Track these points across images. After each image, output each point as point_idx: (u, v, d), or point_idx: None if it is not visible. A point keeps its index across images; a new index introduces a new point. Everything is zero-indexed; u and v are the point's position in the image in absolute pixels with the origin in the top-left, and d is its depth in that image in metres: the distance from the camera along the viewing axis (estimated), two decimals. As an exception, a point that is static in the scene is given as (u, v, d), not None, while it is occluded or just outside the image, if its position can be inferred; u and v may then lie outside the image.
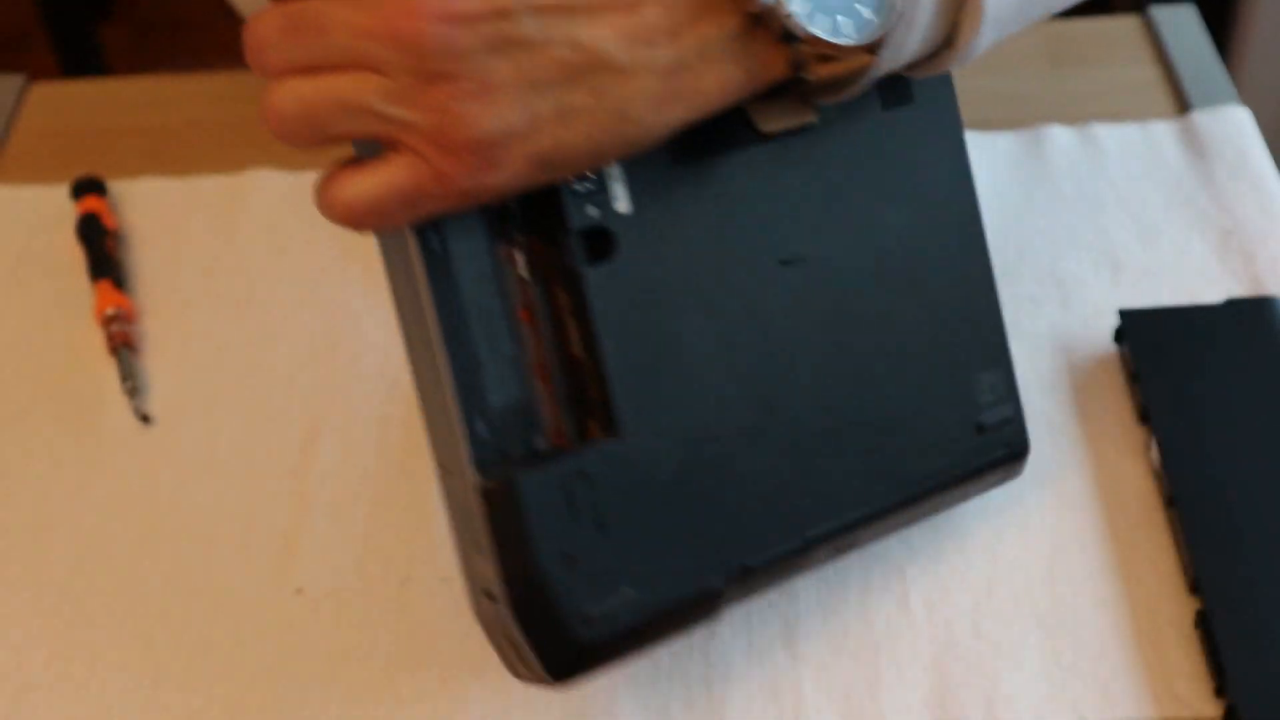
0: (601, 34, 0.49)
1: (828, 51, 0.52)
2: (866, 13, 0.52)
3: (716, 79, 0.51)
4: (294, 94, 0.49)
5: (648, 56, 0.50)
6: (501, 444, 0.54)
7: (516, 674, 0.56)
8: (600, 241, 0.55)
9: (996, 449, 0.64)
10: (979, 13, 0.54)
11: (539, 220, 0.54)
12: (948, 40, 0.56)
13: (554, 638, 0.54)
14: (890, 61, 0.54)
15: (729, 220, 0.57)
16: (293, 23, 0.49)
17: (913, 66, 0.57)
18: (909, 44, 0.54)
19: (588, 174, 0.54)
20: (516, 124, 0.48)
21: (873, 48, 0.53)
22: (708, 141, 0.56)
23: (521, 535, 0.53)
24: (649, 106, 0.50)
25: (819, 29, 0.52)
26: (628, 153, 0.52)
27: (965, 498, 0.66)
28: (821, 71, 0.53)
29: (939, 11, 0.54)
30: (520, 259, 0.54)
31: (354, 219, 0.51)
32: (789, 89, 0.54)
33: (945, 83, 0.63)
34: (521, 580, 0.53)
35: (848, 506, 0.60)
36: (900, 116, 0.61)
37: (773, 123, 0.56)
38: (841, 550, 0.62)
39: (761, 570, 0.59)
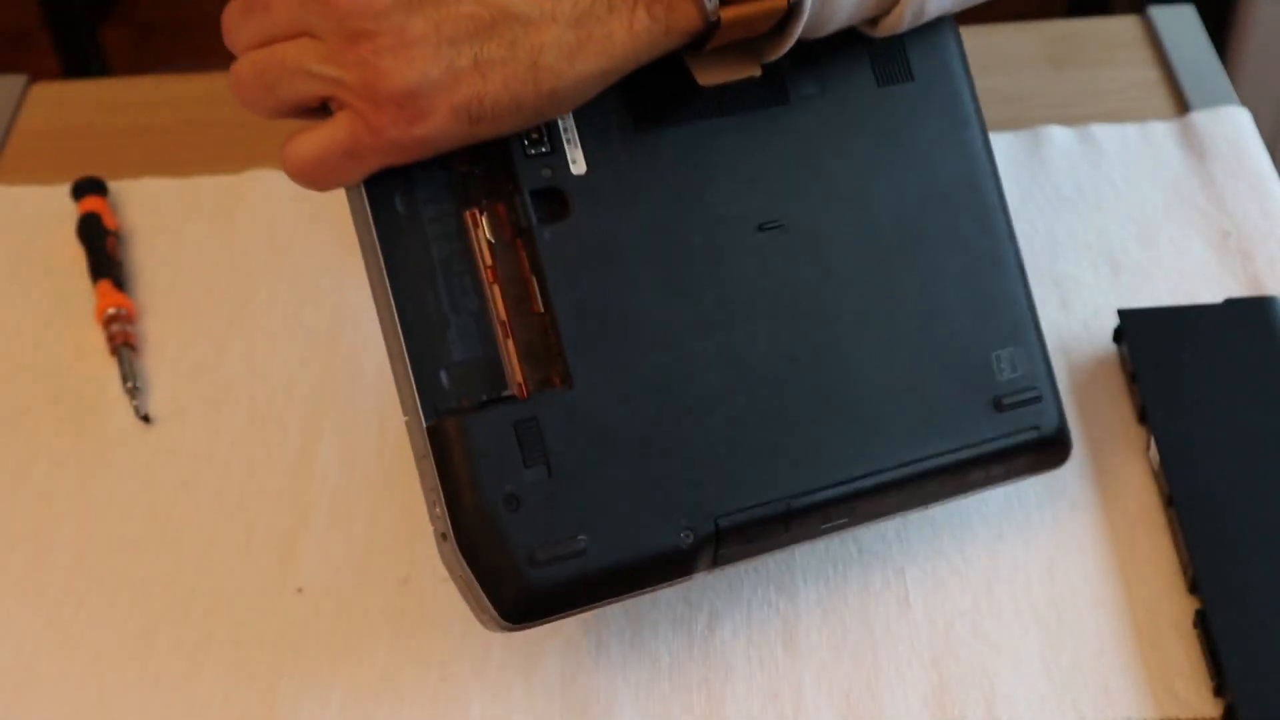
0: None
1: None
2: None
3: (626, 27, 0.53)
4: (249, 62, 0.55)
5: (553, 7, 0.52)
6: (464, 394, 0.56)
7: (482, 622, 0.58)
8: (555, 202, 0.58)
9: (1021, 428, 0.64)
10: None
11: (499, 184, 0.57)
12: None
13: (501, 575, 0.56)
14: (818, 14, 0.56)
15: (699, 185, 0.59)
16: (248, 3, 0.55)
17: (866, 25, 0.59)
18: None
19: (542, 137, 0.57)
20: (436, 76, 0.52)
21: None
22: (670, 108, 0.59)
23: (465, 473, 0.56)
24: (561, 56, 0.53)
25: None
26: (552, 104, 0.54)
27: (992, 480, 0.65)
28: (730, 14, 0.54)
29: None
30: (485, 221, 0.57)
31: (306, 174, 0.55)
32: (732, 44, 0.57)
33: (953, 63, 0.64)
34: (465, 517, 0.56)
35: (837, 471, 0.61)
36: (899, 93, 0.63)
37: (711, 76, 0.59)
38: (839, 521, 0.62)
39: (739, 531, 0.59)
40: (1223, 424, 0.68)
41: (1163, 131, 0.86)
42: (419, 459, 0.57)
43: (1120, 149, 0.85)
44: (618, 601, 0.59)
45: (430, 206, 0.57)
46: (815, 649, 0.64)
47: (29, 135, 0.92)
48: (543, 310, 0.58)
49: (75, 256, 0.82)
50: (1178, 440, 0.68)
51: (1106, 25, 0.96)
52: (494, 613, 0.57)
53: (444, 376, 0.56)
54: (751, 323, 0.60)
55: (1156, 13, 0.95)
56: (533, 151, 0.58)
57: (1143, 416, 0.71)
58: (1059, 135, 0.86)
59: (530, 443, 0.57)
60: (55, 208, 0.85)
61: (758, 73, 0.59)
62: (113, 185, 0.86)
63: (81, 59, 1.94)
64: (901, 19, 0.58)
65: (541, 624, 0.58)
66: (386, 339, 0.57)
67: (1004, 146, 0.86)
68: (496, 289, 0.57)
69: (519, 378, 0.57)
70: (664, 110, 0.59)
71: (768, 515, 0.60)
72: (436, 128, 0.53)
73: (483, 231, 0.57)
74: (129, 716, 0.63)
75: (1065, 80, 0.92)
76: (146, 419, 0.75)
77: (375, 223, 0.56)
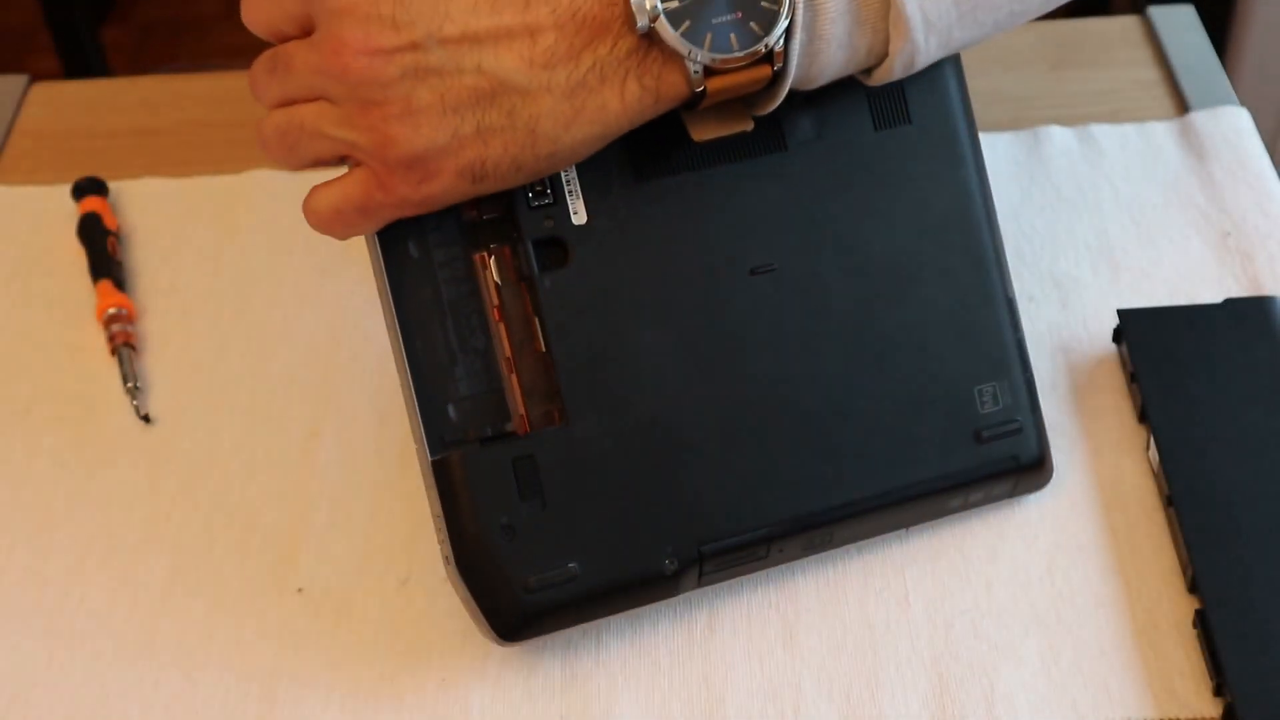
0: (504, 61, 0.55)
1: (718, 66, 0.56)
2: (756, 29, 0.56)
3: (618, 96, 0.56)
4: (273, 123, 0.59)
5: (547, 79, 0.55)
6: (470, 426, 0.61)
7: (482, 632, 0.62)
8: (556, 250, 0.61)
9: (999, 458, 0.66)
10: (903, 22, 0.57)
11: (506, 231, 0.61)
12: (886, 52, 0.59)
13: (498, 599, 0.61)
14: (806, 73, 0.58)
15: (694, 232, 0.63)
16: (272, 64, 0.58)
17: (861, 75, 0.61)
18: (824, 56, 0.58)
19: (545, 188, 0.61)
20: (442, 141, 0.56)
21: (771, 62, 0.57)
22: (669, 158, 0.62)
23: (466, 505, 0.60)
24: (558, 124, 0.56)
25: (696, 44, 0.56)
26: (550, 165, 0.58)
27: (971, 505, 0.67)
28: (715, 85, 0.57)
29: (858, 23, 0.57)
30: (493, 264, 0.61)
31: (323, 224, 0.59)
32: (726, 102, 0.60)
33: (951, 104, 0.66)
34: (465, 544, 0.61)
35: (817, 501, 0.64)
36: (896, 135, 0.65)
37: (705, 132, 0.63)
38: (818, 546, 0.65)
39: (720, 556, 0.63)
40: (1223, 424, 0.68)
41: (1162, 131, 0.86)
42: (427, 487, 0.62)
43: (1120, 149, 0.85)
44: (607, 616, 0.63)
45: (441, 250, 0.60)
46: (815, 649, 0.64)
47: (29, 135, 0.92)
48: (544, 350, 0.61)
49: (75, 257, 0.82)
50: (1178, 440, 0.68)
51: (1106, 25, 0.96)
52: (491, 631, 0.61)
53: (451, 410, 0.60)
54: (741, 363, 0.63)
55: (1156, 13, 0.95)
56: (536, 203, 0.61)
57: (1143, 416, 0.71)
58: (1059, 135, 0.86)
59: (527, 478, 0.61)
60: (55, 208, 0.85)
61: (750, 127, 0.63)
62: (113, 185, 0.86)
63: (81, 59, 1.94)
64: (891, 71, 0.60)
65: (535, 638, 0.62)
66: (399, 373, 0.61)
67: (1004, 146, 0.86)
68: (503, 328, 0.61)
69: (522, 411, 0.61)
70: (663, 160, 0.62)
71: (749, 541, 0.63)
72: (442, 187, 0.57)
73: (490, 273, 0.61)
74: (129, 716, 0.63)
75: (1065, 80, 0.92)
76: (147, 419, 0.75)
77: (387, 266, 0.60)
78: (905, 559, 0.67)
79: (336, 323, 0.79)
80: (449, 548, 0.61)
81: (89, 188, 0.85)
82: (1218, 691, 0.61)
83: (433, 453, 0.60)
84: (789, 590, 0.66)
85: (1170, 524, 0.67)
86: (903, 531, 0.68)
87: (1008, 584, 0.66)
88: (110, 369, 0.77)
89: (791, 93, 0.59)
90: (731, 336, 0.63)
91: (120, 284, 0.80)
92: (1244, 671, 0.60)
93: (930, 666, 0.63)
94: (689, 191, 0.63)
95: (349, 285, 0.80)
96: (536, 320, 0.61)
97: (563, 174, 0.61)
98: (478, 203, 0.60)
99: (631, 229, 0.62)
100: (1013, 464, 0.66)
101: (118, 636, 0.66)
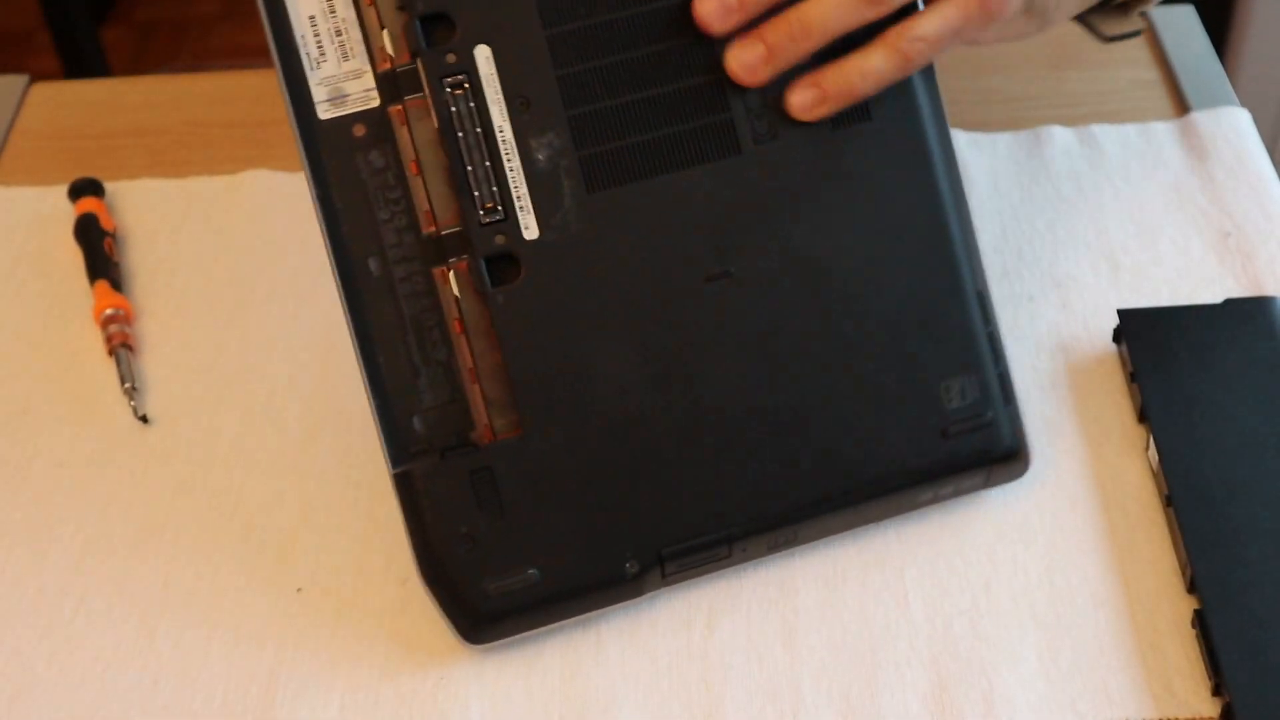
0: None
1: None
2: None
3: None
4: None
5: None
6: (435, 438, 0.62)
7: (452, 634, 0.63)
8: (509, 265, 0.62)
9: (967, 452, 0.66)
10: None
11: (463, 246, 0.62)
12: None
13: (459, 605, 0.63)
14: None
15: (647, 241, 0.63)
16: None
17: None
18: None
19: (495, 205, 0.62)
20: None
21: None
22: (620, 168, 0.62)
23: (424, 515, 0.62)
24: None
25: None
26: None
27: (942, 498, 0.67)
28: None
29: None
30: (452, 278, 0.62)
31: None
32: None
33: (914, 99, 0.65)
34: (428, 553, 0.62)
35: (780, 502, 0.64)
36: (854, 134, 0.65)
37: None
38: (782, 544, 0.65)
39: (682, 558, 0.64)
40: (1222, 424, 0.68)
41: (1163, 132, 0.86)
42: (396, 496, 0.63)
43: (1120, 149, 0.85)
44: (571, 617, 0.64)
45: (401, 266, 0.62)
46: (815, 649, 0.64)
47: (29, 135, 0.92)
48: (502, 361, 0.62)
49: (73, 257, 0.82)
50: (1177, 440, 0.68)
51: (1106, 25, 0.95)
52: (456, 633, 0.63)
53: (417, 421, 0.62)
54: (699, 368, 0.64)
55: (1156, 13, 0.95)
56: (487, 220, 0.62)
57: (1142, 416, 0.71)
58: (1059, 135, 0.86)
59: (484, 489, 0.62)
60: (53, 208, 0.85)
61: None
62: (110, 186, 0.86)
63: (81, 59, 1.94)
64: None
65: (503, 640, 0.64)
66: (364, 388, 0.63)
67: (1004, 146, 0.86)
68: (464, 340, 0.62)
69: (486, 421, 0.62)
70: (614, 169, 0.62)
71: (710, 543, 0.64)
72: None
73: (451, 287, 0.62)
74: (129, 716, 0.63)
75: (1065, 80, 0.92)
76: (145, 419, 0.75)
77: (345, 287, 0.62)
78: (905, 559, 0.67)
79: (335, 322, 0.78)
80: (414, 556, 0.63)
81: (85, 188, 0.85)
82: (1216, 691, 0.61)
83: (395, 465, 0.62)
84: (789, 590, 0.66)
85: (1169, 524, 0.67)
86: (902, 532, 0.68)
87: (1007, 584, 0.66)
88: (108, 370, 0.77)
89: (755, 92, 0.63)
90: (689, 344, 0.63)
91: (117, 285, 0.80)
92: (1242, 671, 0.60)
93: (929, 666, 0.63)
94: (640, 200, 0.63)
95: (348, 285, 0.80)
96: (493, 332, 0.62)
97: (513, 189, 0.62)
98: (434, 219, 0.61)
99: (584, 241, 0.62)
100: (982, 458, 0.66)
101: (118, 636, 0.66)
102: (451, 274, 0.62)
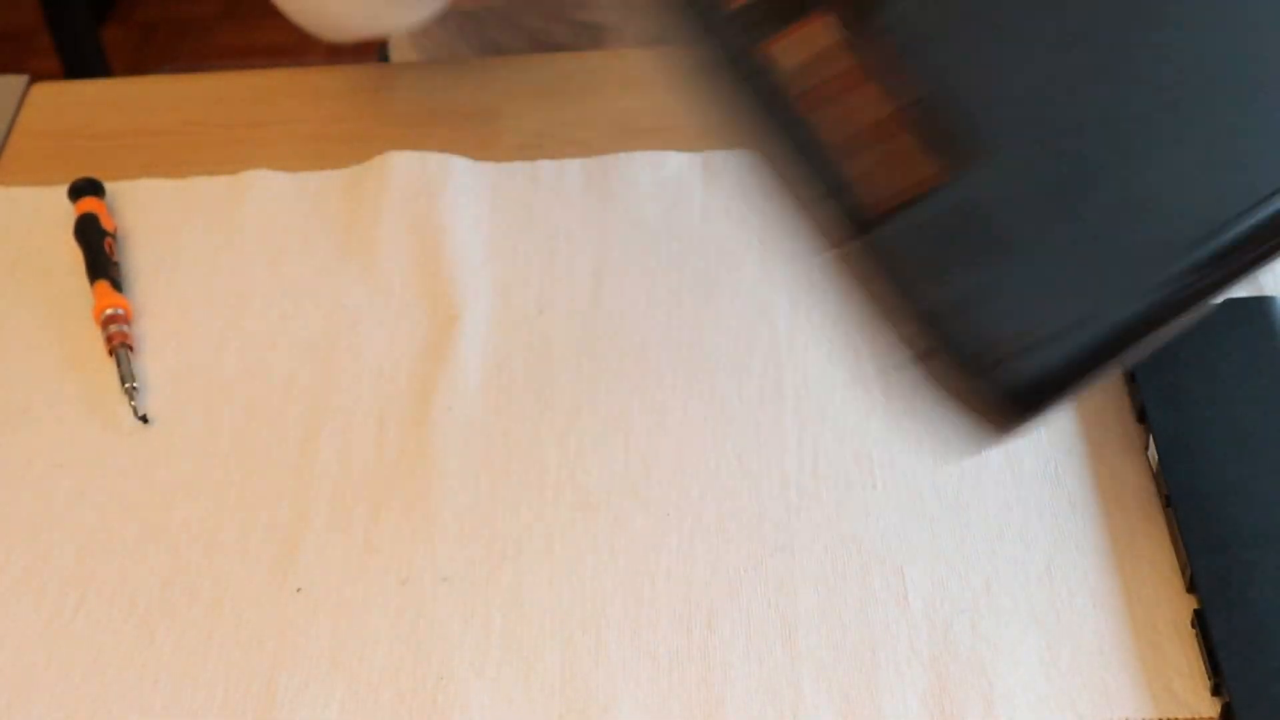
0: None
1: None
2: None
3: None
4: None
5: None
6: (880, 200, 0.51)
7: (970, 432, 0.52)
8: None
9: None
10: None
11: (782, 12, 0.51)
12: None
13: (985, 369, 0.51)
14: None
15: None
16: None
17: None
18: None
19: None
20: None
21: None
22: None
23: (914, 276, 0.51)
24: None
25: None
26: None
27: None
28: None
29: None
30: (792, 46, 0.52)
31: None
32: None
33: None
34: (929, 328, 0.51)
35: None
36: None
37: None
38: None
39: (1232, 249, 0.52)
40: (1222, 424, 0.68)
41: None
42: (856, 289, 0.52)
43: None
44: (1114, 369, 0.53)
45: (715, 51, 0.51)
46: (815, 649, 0.64)
47: (29, 135, 0.92)
48: (914, 97, 0.51)
49: (73, 257, 0.82)
50: (1177, 439, 0.68)
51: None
52: (994, 409, 0.51)
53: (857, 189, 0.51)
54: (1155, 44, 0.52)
55: (1156, 12, 0.95)
56: None
57: (1142, 416, 0.71)
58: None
59: (969, 231, 0.51)
60: (53, 208, 0.85)
61: None
62: (110, 186, 0.86)
63: (81, 59, 1.94)
64: None
65: (1044, 411, 0.52)
66: (785, 187, 0.52)
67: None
68: (833, 107, 0.51)
69: (929, 163, 0.51)
70: None
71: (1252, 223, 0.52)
72: None
73: (794, 55, 0.51)
74: (129, 716, 0.63)
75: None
76: (145, 419, 0.75)
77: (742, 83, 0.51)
78: (905, 559, 0.67)
79: (335, 322, 0.79)
80: (919, 333, 0.51)
81: (86, 188, 0.85)
82: (1216, 691, 0.61)
83: (855, 235, 0.51)
84: (789, 590, 0.66)
85: (1169, 524, 0.67)
86: (902, 531, 0.68)
87: (1006, 583, 0.66)
88: (108, 370, 0.77)
89: None
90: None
91: (117, 285, 0.80)
92: (1242, 671, 0.60)
93: (929, 666, 0.63)
94: None
95: (347, 285, 0.80)
96: (874, 80, 0.51)
97: None
98: None
99: None
100: None
101: (117, 636, 0.66)
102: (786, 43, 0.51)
